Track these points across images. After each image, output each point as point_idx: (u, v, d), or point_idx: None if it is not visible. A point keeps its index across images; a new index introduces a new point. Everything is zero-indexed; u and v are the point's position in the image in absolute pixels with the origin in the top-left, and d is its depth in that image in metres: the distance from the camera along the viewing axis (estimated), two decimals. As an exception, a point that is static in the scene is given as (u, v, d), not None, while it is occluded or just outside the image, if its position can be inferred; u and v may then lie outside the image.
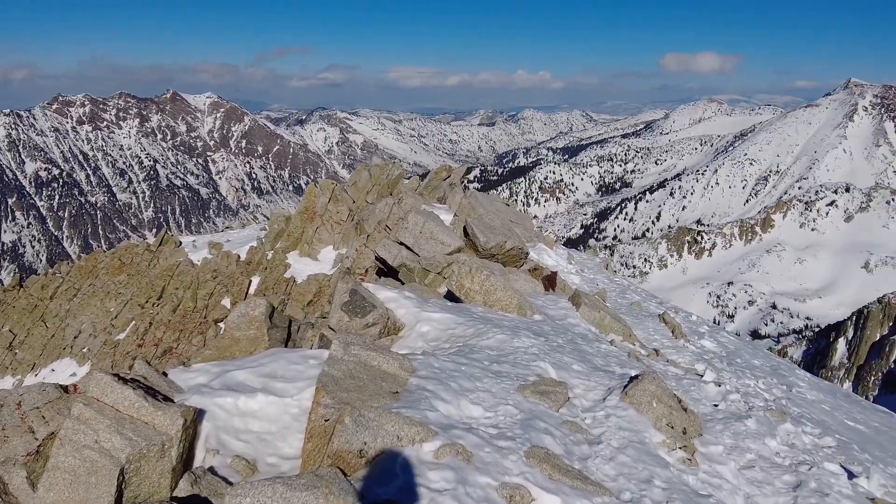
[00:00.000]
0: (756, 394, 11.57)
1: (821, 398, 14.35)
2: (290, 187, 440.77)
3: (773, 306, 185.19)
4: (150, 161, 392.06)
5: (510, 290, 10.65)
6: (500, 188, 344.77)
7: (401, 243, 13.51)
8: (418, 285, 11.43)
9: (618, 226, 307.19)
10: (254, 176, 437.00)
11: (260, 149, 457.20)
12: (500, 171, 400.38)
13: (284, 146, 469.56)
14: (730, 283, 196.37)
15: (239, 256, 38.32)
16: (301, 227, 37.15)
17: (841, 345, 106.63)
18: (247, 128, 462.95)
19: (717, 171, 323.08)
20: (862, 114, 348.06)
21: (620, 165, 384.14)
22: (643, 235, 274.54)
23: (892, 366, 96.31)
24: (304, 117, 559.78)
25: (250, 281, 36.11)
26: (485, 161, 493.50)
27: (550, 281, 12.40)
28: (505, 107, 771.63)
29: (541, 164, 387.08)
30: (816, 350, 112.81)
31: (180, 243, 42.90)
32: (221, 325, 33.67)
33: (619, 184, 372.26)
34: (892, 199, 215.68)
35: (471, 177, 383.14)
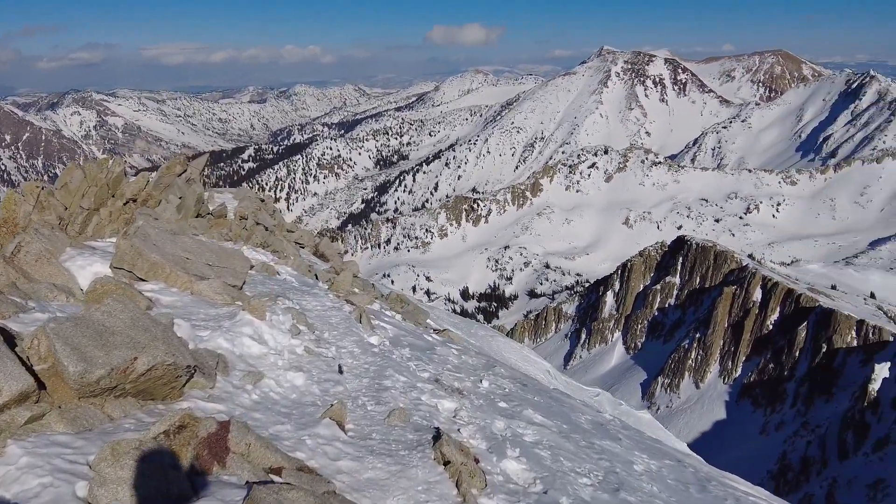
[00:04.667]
0: None
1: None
2: (46, 177, 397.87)
3: (547, 266, 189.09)
4: None
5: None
6: (276, 166, 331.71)
7: None
8: None
9: (398, 198, 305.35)
10: (3, 167, 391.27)
11: (8, 137, 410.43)
12: (275, 149, 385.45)
13: (35, 133, 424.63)
14: (506, 247, 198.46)
15: None
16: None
17: (609, 297, 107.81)
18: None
19: (487, 140, 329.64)
20: (615, 80, 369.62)
21: (396, 138, 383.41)
22: (423, 206, 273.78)
23: (656, 313, 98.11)
24: (55, 101, 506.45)
25: None
26: (259, 139, 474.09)
27: (214, 451, 4.09)
28: (276, 83, 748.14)
29: (317, 140, 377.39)
30: (588, 304, 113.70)
31: None
32: None
33: (396, 157, 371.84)
34: (646, 159, 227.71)
35: (245, 156, 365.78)
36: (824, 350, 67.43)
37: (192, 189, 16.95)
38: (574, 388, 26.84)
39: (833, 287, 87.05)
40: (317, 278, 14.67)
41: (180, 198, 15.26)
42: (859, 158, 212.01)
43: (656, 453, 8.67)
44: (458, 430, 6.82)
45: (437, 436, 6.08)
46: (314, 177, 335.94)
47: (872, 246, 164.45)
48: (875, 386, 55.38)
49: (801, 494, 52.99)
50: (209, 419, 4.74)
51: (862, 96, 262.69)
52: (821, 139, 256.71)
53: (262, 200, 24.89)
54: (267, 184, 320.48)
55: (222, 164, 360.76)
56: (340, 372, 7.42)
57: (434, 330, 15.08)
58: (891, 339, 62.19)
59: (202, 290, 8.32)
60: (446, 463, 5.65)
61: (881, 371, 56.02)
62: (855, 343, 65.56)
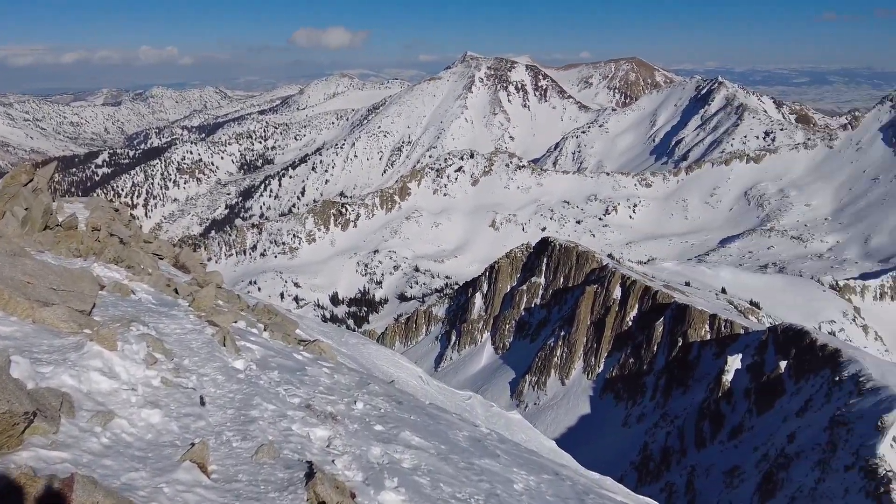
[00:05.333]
0: None
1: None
2: None
3: (417, 269, 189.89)
4: None
5: None
6: (132, 171, 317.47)
7: None
8: None
9: (263, 203, 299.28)
10: None
11: None
12: (131, 153, 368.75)
13: None
14: (376, 251, 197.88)
15: None
16: None
17: (478, 299, 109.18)
18: None
19: (354, 144, 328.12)
20: (479, 85, 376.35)
21: (261, 142, 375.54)
22: (290, 211, 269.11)
23: (523, 313, 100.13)
24: None
25: None
26: (113, 144, 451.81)
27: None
28: (131, 85, 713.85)
29: (176, 144, 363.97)
30: (457, 306, 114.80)
31: None
32: None
33: (261, 161, 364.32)
34: (510, 163, 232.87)
35: (99, 161, 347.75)
36: (680, 344, 70.82)
37: (40, 200, 15.66)
38: (447, 393, 26.85)
39: (687, 283, 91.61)
40: (177, 293, 13.85)
41: (26, 209, 14.05)
42: (709, 161, 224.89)
43: (534, 467, 8.60)
44: (333, 461, 6.45)
45: (311, 472, 5.69)
46: (174, 182, 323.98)
47: (722, 244, 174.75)
48: (728, 377, 58.62)
49: (662, 483, 55.34)
50: (50, 476, 4.18)
51: (711, 102, 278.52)
52: (673, 143, 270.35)
53: (117, 210, 23.46)
54: (123, 189, 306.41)
55: (74, 169, 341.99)
56: (202, 404, 6.88)
57: (303, 341, 14.58)
58: (742, 332, 66.05)
59: (45, 318, 7.55)
60: (321, 503, 5.29)
61: (733, 362, 59.37)
62: (709, 337, 69.22)
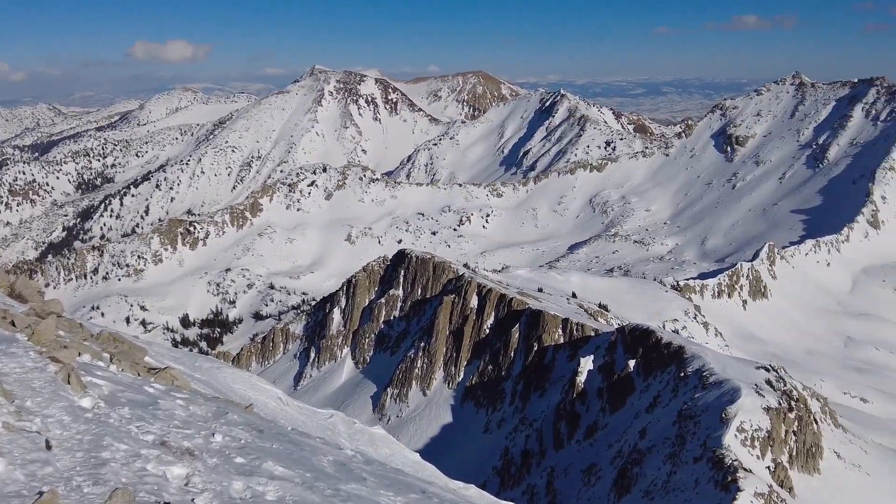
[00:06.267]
0: None
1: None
2: None
3: (272, 286, 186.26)
4: None
5: None
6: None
7: None
8: None
9: (104, 224, 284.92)
10: None
11: None
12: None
13: None
14: (227, 270, 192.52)
15: None
16: None
17: (336, 314, 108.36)
18: None
19: (200, 160, 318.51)
20: (329, 98, 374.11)
21: (99, 160, 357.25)
22: (133, 232, 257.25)
23: (382, 326, 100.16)
24: None
25: None
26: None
27: None
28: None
29: (7, 164, 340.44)
30: (315, 322, 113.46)
31: None
32: None
33: (100, 179, 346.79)
34: (364, 176, 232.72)
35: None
36: (535, 349, 72.92)
37: None
38: (308, 412, 26.35)
39: (540, 289, 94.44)
40: (14, 325, 12.88)
41: None
42: (555, 170, 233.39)
43: (401, 488, 8.59)
44: (193, 500, 6.17)
45: (169, 514, 5.42)
46: (6, 204, 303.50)
47: (571, 250, 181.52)
48: (582, 378, 60.86)
49: (524, 486, 56.68)
50: None
51: (555, 113, 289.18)
52: (521, 153, 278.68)
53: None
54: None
55: None
56: (49, 448, 6.42)
57: (153, 370, 13.91)
58: (592, 334, 68.80)
59: None
60: (181, 547, 5.04)
61: (586, 364, 61.71)
62: (562, 340, 71.66)
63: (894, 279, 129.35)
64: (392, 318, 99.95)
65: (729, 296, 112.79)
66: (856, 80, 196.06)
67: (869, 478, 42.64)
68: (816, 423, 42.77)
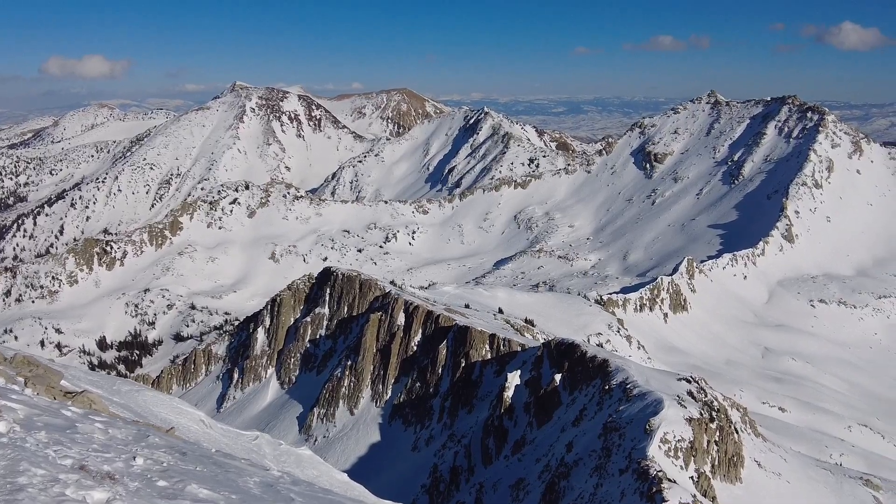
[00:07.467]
0: None
1: None
2: None
3: (193, 307, 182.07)
4: None
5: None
6: None
7: None
8: None
9: (17, 244, 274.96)
10: None
11: None
12: None
13: None
14: (146, 290, 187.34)
15: None
16: None
17: (261, 333, 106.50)
18: None
19: (117, 177, 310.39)
20: (251, 115, 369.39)
21: (12, 178, 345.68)
22: (47, 252, 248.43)
23: (308, 345, 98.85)
24: None
25: None
26: None
27: None
28: None
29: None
30: (239, 342, 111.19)
31: None
32: None
33: (12, 199, 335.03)
34: (288, 193, 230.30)
35: None
36: (463, 365, 73.04)
37: None
38: (232, 435, 25.78)
39: (467, 306, 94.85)
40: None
41: None
42: (480, 187, 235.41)
43: (331, 507, 8.45)
44: (114, 526, 5.95)
45: (89, 542, 5.20)
46: None
47: (497, 265, 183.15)
48: (509, 393, 61.19)
49: (453, 503, 56.55)
50: None
51: (479, 131, 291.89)
52: (447, 170, 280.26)
53: None
54: None
55: None
56: (-44, 476, 6.11)
57: (70, 393, 13.43)
58: (519, 349, 69.33)
59: None
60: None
61: (513, 379, 62.09)
62: (489, 356, 72.01)
63: (809, 291, 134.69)
64: (318, 336, 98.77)
65: (650, 309, 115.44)
66: (769, 99, 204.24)
67: (789, 485, 43.99)
68: (737, 432, 43.90)
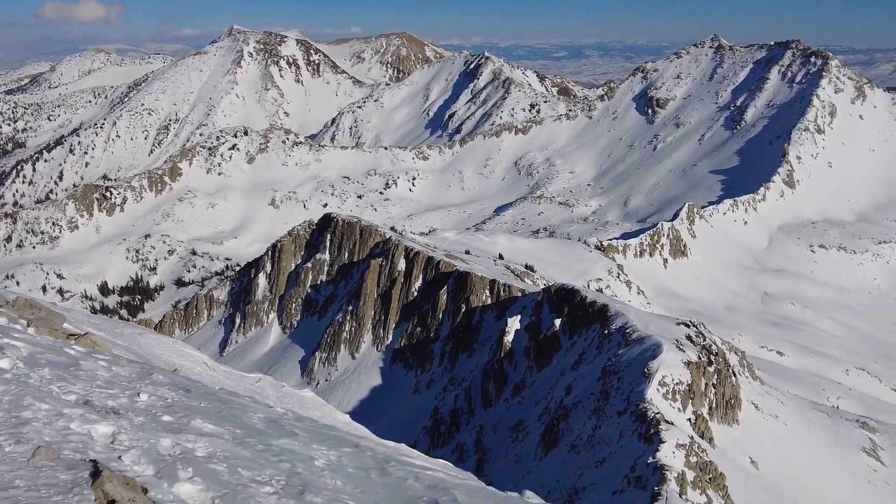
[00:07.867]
0: None
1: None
2: None
3: (194, 252, 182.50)
4: None
5: None
6: None
7: None
8: None
9: (17, 190, 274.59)
10: None
11: None
12: None
13: None
14: (147, 236, 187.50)
15: None
16: None
17: (262, 279, 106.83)
18: None
19: (115, 123, 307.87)
20: (248, 60, 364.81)
21: (10, 125, 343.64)
22: (47, 198, 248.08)
23: (309, 291, 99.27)
24: None
25: None
26: None
27: None
28: None
29: None
30: (240, 287, 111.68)
31: None
32: None
33: (11, 145, 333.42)
34: (287, 139, 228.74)
35: None
36: (464, 310, 73.51)
37: None
38: (235, 377, 26.04)
39: (467, 252, 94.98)
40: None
41: None
42: (481, 133, 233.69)
43: (334, 442, 8.54)
44: (120, 457, 6.01)
45: (96, 471, 5.26)
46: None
47: (497, 212, 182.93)
48: (509, 338, 61.72)
49: (453, 445, 57.43)
50: None
51: (479, 76, 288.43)
52: (446, 116, 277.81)
53: None
54: None
55: None
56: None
57: (73, 335, 13.49)
58: (519, 294, 69.68)
59: None
60: (111, 502, 4.90)
61: (513, 324, 62.56)
62: (489, 301, 72.41)
63: (809, 237, 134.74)
64: (319, 282, 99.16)
65: (650, 255, 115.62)
66: (772, 43, 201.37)
67: (786, 427, 44.62)
68: (735, 375, 44.38)
